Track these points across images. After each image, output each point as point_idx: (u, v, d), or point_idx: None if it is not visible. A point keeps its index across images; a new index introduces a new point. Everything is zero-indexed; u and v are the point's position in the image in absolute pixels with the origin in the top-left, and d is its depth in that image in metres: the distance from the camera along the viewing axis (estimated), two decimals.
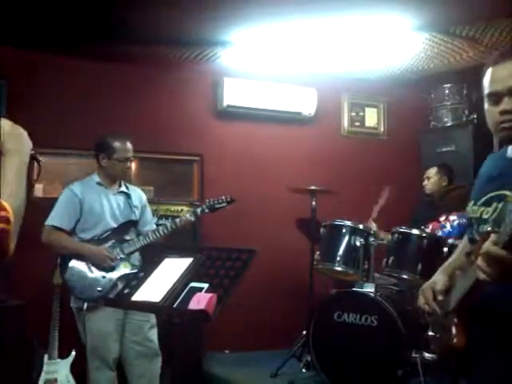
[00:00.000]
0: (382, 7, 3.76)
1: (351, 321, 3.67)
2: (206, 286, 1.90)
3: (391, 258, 3.83)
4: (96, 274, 3.29)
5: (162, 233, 3.41)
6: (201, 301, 1.81)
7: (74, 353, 3.76)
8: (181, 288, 1.92)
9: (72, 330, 3.54)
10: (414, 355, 3.56)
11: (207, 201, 3.62)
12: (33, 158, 1.44)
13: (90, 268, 3.31)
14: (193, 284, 1.93)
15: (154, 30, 4.08)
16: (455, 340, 1.36)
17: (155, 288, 1.99)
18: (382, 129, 5.63)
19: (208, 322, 1.81)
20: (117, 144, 3.44)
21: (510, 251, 1.19)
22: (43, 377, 3.62)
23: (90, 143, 3.49)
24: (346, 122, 5.52)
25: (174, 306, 1.89)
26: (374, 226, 4.25)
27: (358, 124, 5.57)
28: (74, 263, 3.31)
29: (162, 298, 1.91)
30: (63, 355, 3.72)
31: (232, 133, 5.07)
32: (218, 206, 3.61)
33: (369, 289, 3.73)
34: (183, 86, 4.91)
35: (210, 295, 1.82)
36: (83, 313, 3.31)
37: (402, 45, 4.46)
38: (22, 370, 3.62)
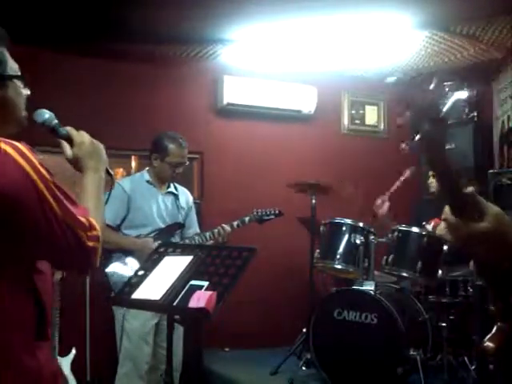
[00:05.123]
0: (382, 5, 3.75)
1: (351, 319, 3.67)
2: (205, 284, 1.90)
3: (391, 256, 3.84)
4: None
5: (208, 238, 3.41)
6: (201, 299, 1.81)
7: (74, 351, 3.76)
8: (181, 286, 1.92)
9: (72, 327, 3.55)
10: (413, 353, 3.56)
11: (255, 211, 3.66)
12: (106, 171, 1.54)
13: (132, 266, 3.17)
14: (193, 282, 1.93)
15: (154, 27, 4.08)
16: (486, 343, 1.20)
17: (155, 286, 2.00)
18: (382, 127, 5.63)
19: (208, 320, 1.81)
20: (172, 147, 3.33)
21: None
22: None
23: None
24: (346, 120, 5.52)
25: (174, 304, 1.89)
26: (386, 206, 4.22)
27: (358, 122, 5.57)
28: (117, 259, 3.20)
29: (162, 296, 1.91)
30: (63, 353, 3.72)
31: (232, 131, 5.07)
32: (266, 217, 3.69)
33: (369, 287, 3.73)
34: (183, 84, 4.90)
35: (209, 293, 1.82)
36: (122, 313, 3.18)
37: (403, 43, 4.46)
38: None
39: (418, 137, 1.02)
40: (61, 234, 1.23)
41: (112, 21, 3.91)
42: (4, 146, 1.19)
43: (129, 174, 4.71)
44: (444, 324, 3.77)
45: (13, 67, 1.39)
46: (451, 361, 3.74)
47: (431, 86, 1.00)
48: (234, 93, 4.88)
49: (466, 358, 3.74)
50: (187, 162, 3.48)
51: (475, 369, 3.64)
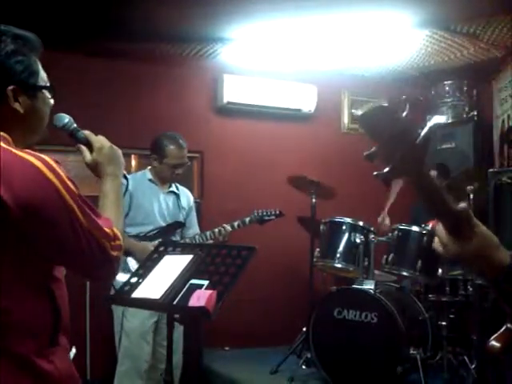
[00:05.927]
0: (382, 4, 3.75)
1: (351, 318, 3.67)
2: (206, 283, 1.90)
3: (391, 255, 3.84)
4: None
5: (209, 238, 3.44)
6: (201, 298, 1.81)
7: (74, 350, 3.75)
8: (181, 285, 1.92)
9: (72, 326, 3.52)
10: (413, 352, 3.56)
11: (256, 212, 3.67)
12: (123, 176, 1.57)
13: (130, 265, 3.20)
14: (193, 281, 1.93)
15: (154, 26, 4.07)
16: (491, 342, 1.19)
17: (155, 285, 1.99)
18: None
19: (208, 319, 1.81)
20: (170, 148, 3.33)
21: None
22: None
23: None
24: (346, 119, 5.52)
25: (174, 303, 1.89)
26: (387, 221, 4.29)
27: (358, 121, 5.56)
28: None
29: (162, 295, 1.91)
30: None
31: (232, 130, 5.07)
32: (266, 218, 3.70)
33: (369, 286, 3.73)
34: (183, 83, 4.90)
35: (209, 292, 1.82)
36: (121, 310, 3.20)
37: (403, 41, 4.46)
38: None
39: (386, 169, 1.00)
40: (86, 244, 1.27)
41: (112, 20, 3.90)
42: (33, 160, 1.22)
43: (129, 173, 4.70)
44: (444, 323, 3.77)
45: (43, 77, 1.43)
46: (451, 360, 3.74)
47: (403, 114, 0.95)
48: (233, 92, 4.88)
49: (465, 357, 3.74)
50: (188, 162, 3.49)
51: (475, 368, 3.64)
